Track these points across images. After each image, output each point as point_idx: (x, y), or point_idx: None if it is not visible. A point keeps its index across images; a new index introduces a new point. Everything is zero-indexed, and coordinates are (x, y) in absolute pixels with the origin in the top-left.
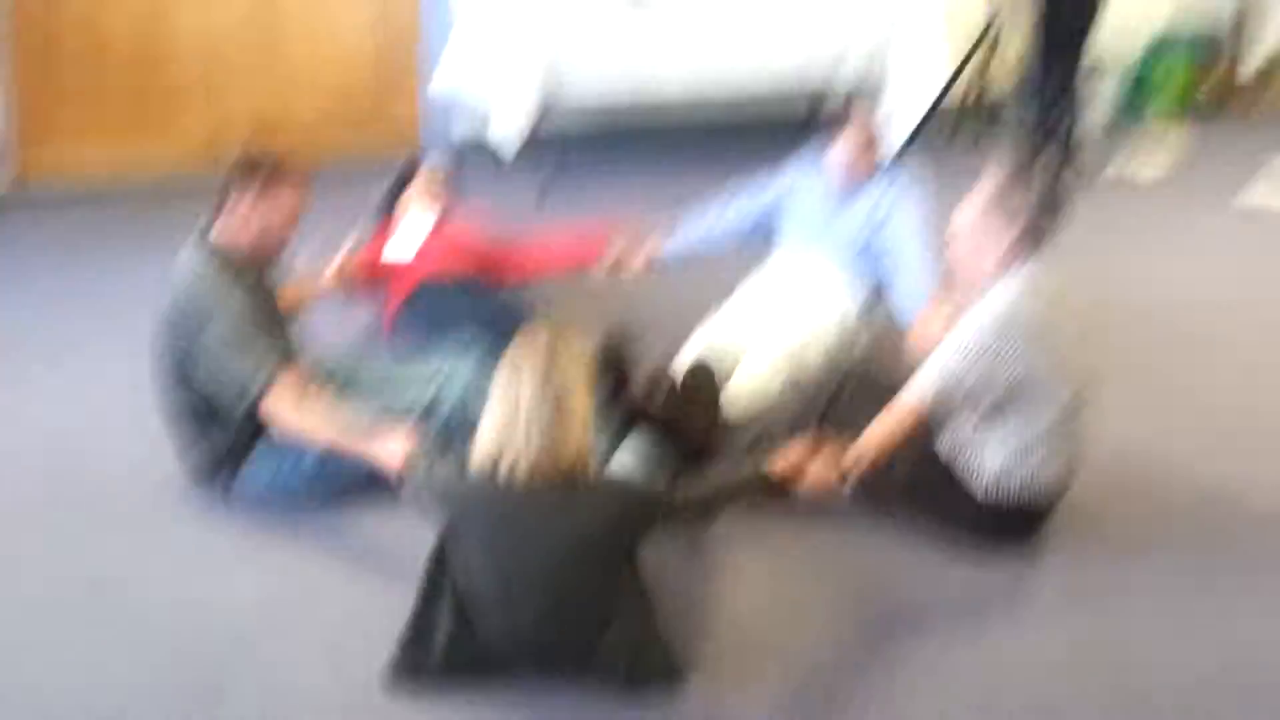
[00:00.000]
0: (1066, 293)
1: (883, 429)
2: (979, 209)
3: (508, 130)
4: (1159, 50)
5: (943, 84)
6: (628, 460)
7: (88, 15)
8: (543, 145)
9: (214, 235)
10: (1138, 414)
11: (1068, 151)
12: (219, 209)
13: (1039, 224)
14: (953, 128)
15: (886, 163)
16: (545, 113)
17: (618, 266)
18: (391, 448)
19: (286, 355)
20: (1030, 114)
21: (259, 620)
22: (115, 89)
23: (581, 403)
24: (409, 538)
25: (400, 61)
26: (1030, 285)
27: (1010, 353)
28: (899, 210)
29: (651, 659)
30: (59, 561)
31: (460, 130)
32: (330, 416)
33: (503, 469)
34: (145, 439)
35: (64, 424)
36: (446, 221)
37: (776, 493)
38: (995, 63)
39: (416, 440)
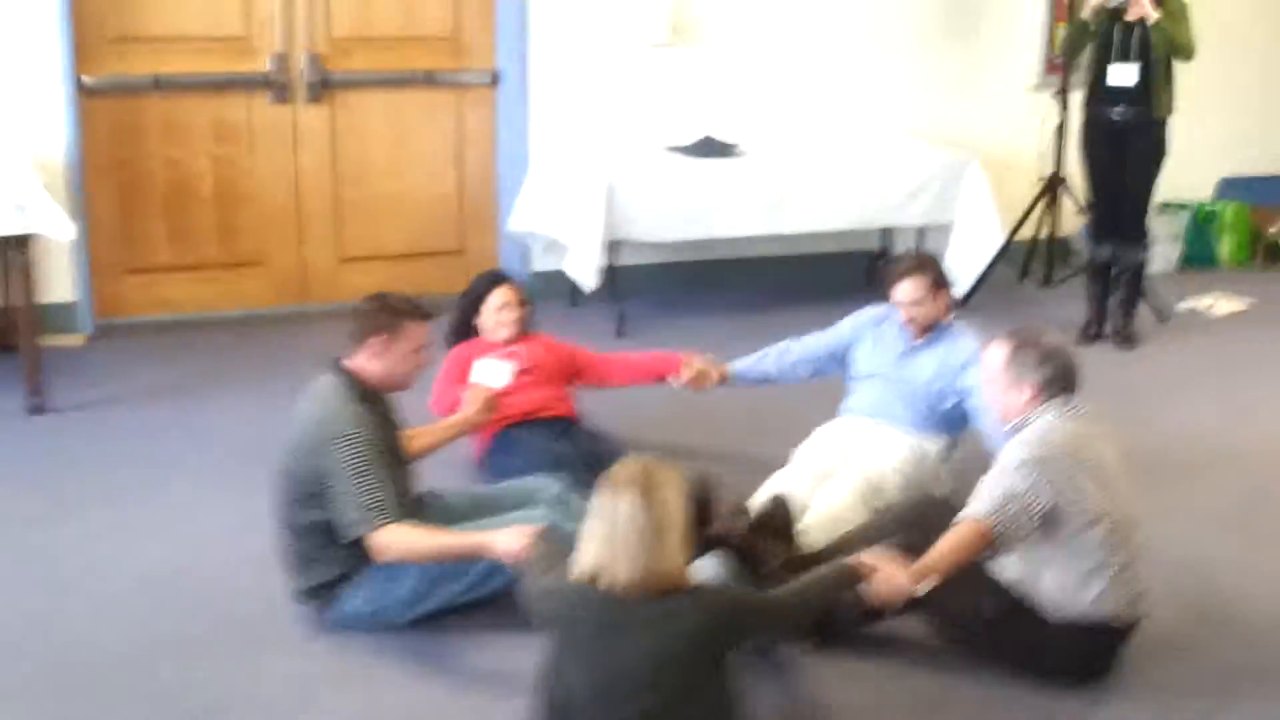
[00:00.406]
0: (1093, 432)
1: (948, 542)
2: (999, 366)
3: (583, 265)
4: (1228, 189)
5: (1005, 227)
6: (707, 578)
7: (173, 157)
8: (618, 280)
9: (348, 365)
10: (1223, 543)
11: (1139, 289)
12: (352, 343)
13: (1053, 376)
14: (1023, 266)
15: (954, 306)
16: (618, 248)
17: (696, 379)
18: (508, 542)
19: (403, 493)
20: (1101, 253)
21: None
22: (201, 227)
23: (678, 521)
24: (504, 664)
25: (480, 198)
26: (1053, 426)
27: (1041, 483)
28: (972, 356)
29: None
30: (168, 695)
31: (537, 265)
32: (437, 538)
33: (603, 583)
34: (244, 569)
35: (162, 559)
36: (528, 339)
37: (852, 584)
38: (1063, 201)
39: (533, 535)
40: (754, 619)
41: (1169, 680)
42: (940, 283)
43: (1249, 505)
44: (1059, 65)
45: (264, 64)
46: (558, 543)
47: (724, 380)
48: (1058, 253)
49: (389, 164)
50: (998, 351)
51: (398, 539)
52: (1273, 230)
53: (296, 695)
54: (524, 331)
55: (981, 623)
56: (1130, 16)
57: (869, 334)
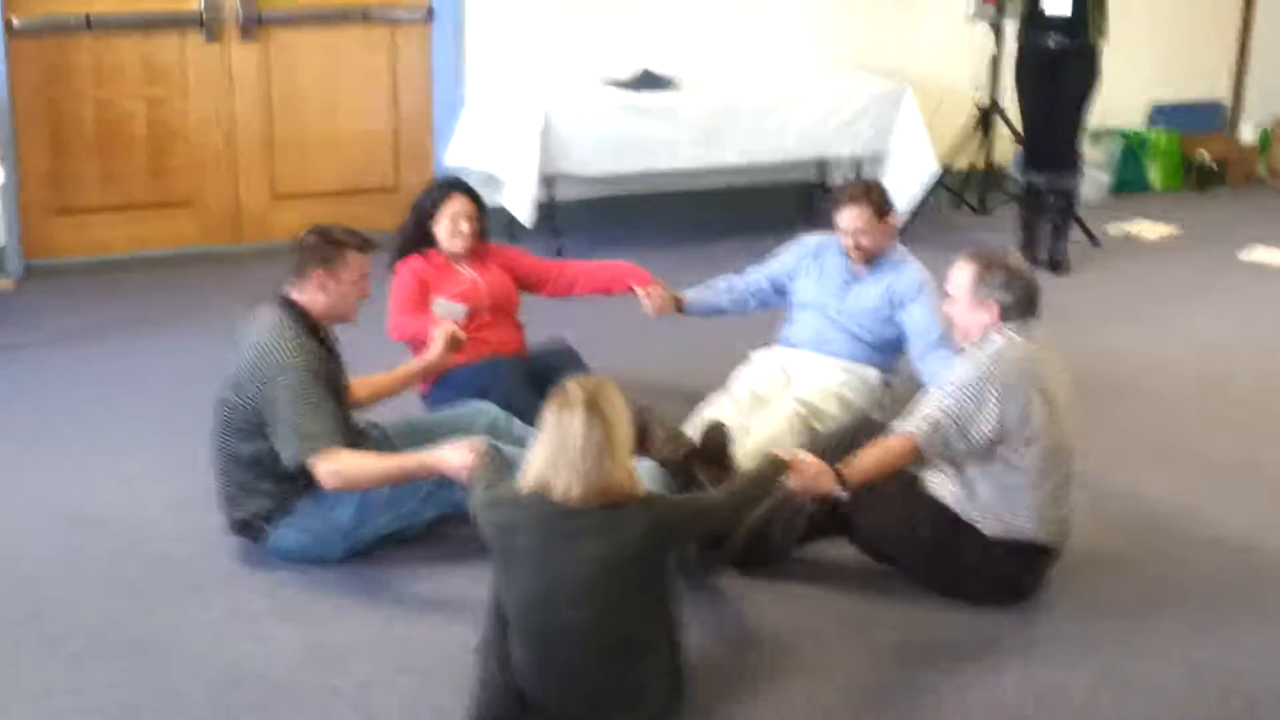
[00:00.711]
0: (1047, 357)
1: (878, 450)
2: (966, 284)
3: (520, 199)
4: (1158, 116)
5: (941, 156)
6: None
7: (104, 97)
8: (556, 215)
9: (292, 297)
10: (1147, 465)
11: (1071, 215)
12: (294, 276)
13: (1018, 298)
14: (958, 194)
15: (898, 234)
16: (555, 182)
17: (658, 302)
18: (456, 456)
19: (345, 422)
20: (1035, 180)
21: (300, 676)
22: (132, 167)
23: (625, 435)
24: (443, 592)
25: (415, 134)
26: (1011, 345)
27: (990, 400)
28: (918, 287)
29: (679, 692)
30: (102, 632)
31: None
32: (383, 460)
33: (556, 494)
34: (175, 510)
35: (93, 501)
36: (484, 253)
37: (780, 474)
38: (997, 130)
39: (481, 449)
40: (695, 520)
41: (1095, 597)
42: (884, 210)
43: (1175, 427)
44: None
45: (196, 2)
46: (500, 459)
47: (680, 309)
48: (992, 181)
49: (323, 101)
50: (964, 269)
51: (343, 464)
52: (1202, 154)
53: (237, 629)
54: (480, 242)
55: (916, 541)
56: None
57: (810, 264)
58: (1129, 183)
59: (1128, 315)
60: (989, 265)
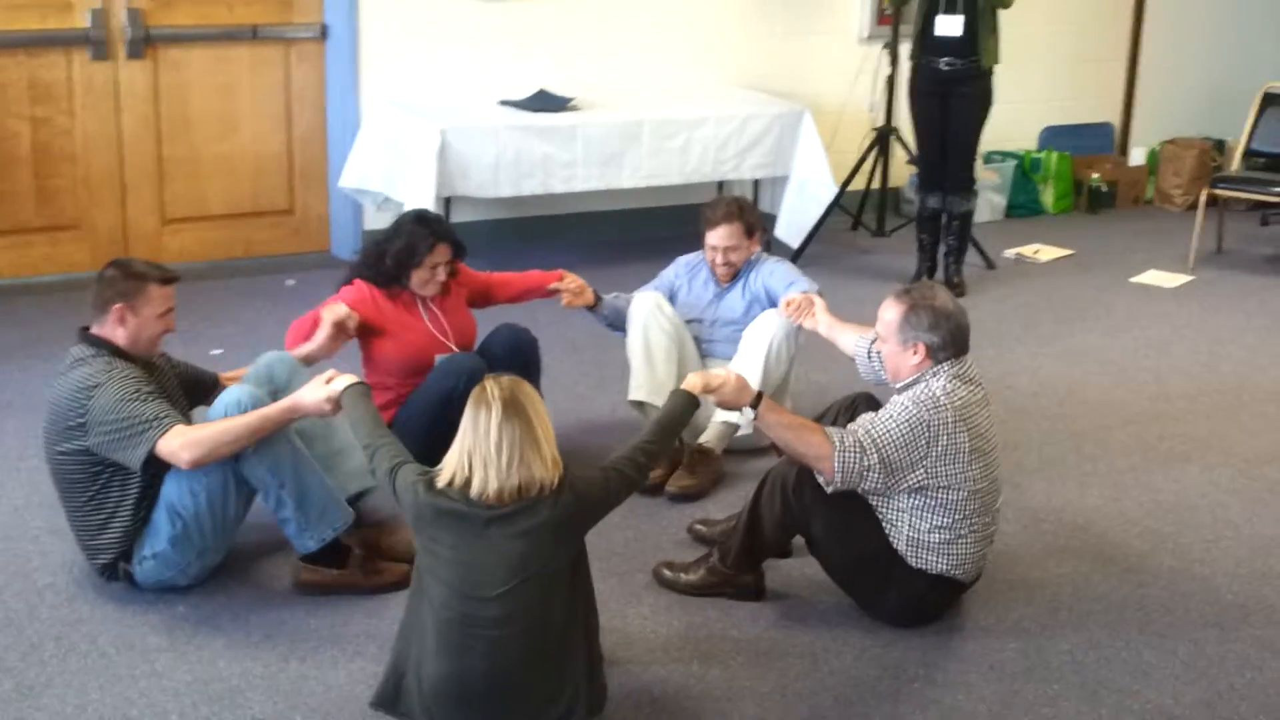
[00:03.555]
0: (978, 398)
1: (800, 423)
2: (893, 325)
3: None
4: (1051, 138)
5: (838, 178)
6: None
7: None
8: None
9: (96, 332)
10: (1044, 484)
11: (967, 237)
12: (96, 311)
13: (944, 339)
14: (856, 216)
15: (763, 248)
16: (453, 205)
17: (575, 293)
18: (314, 395)
19: (180, 413)
20: (931, 202)
21: (193, 714)
22: (17, 190)
23: (545, 429)
24: (337, 626)
25: (310, 155)
26: (943, 390)
27: (919, 446)
28: (770, 270)
29: (597, 683)
30: None
31: (369, 223)
32: (239, 417)
33: (473, 490)
34: (56, 541)
35: None
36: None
37: (694, 406)
38: (893, 152)
39: (340, 386)
40: (618, 493)
41: (997, 619)
42: (753, 229)
43: (1072, 447)
44: (889, 17)
45: (82, 20)
46: (368, 389)
47: (593, 305)
48: (889, 202)
49: (215, 122)
50: (891, 310)
51: (193, 434)
52: (1094, 177)
53: (129, 665)
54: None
55: (864, 557)
56: None
57: (685, 279)
58: (1022, 205)
59: (1025, 336)
60: (914, 306)
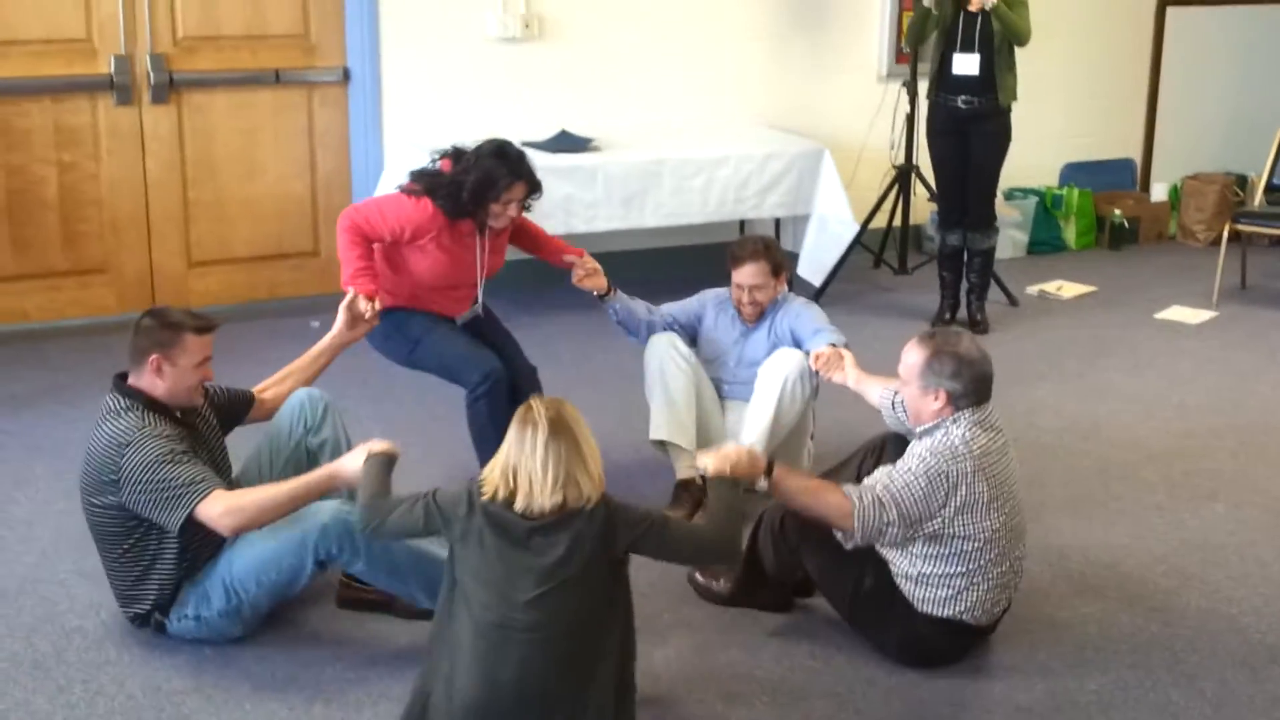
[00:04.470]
0: (999, 445)
1: (817, 485)
2: (915, 370)
3: None
4: (1071, 174)
5: (859, 216)
6: None
7: (14, 163)
8: None
9: (132, 383)
10: (1069, 523)
11: (989, 275)
12: (133, 362)
13: (967, 387)
14: (877, 254)
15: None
16: None
17: (590, 275)
18: (356, 462)
19: (219, 473)
20: (951, 240)
21: None
22: (44, 234)
23: (590, 448)
24: (366, 676)
25: (334, 197)
26: (963, 439)
27: (937, 495)
28: (795, 314)
29: (626, 706)
30: (9, 709)
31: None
32: (280, 485)
33: (519, 506)
34: (86, 585)
35: (7, 568)
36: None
37: (737, 486)
38: (914, 191)
39: (382, 450)
40: (658, 536)
41: (1024, 659)
42: (779, 269)
43: (1098, 485)
44: (907, 55)
45: (106, 66)
46: (391, 459)
47: (607, 295)
48: (910, 240)
49: (239, 165)
50: (914, 354)
51: (232, 500)
52: (1116, 213)
53: (155, 709)
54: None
55: (860, 594)
56: (972, 6)
57: (711, 313)
58: (1044, 241)
59: (1049, 374)
60: (937, 353)
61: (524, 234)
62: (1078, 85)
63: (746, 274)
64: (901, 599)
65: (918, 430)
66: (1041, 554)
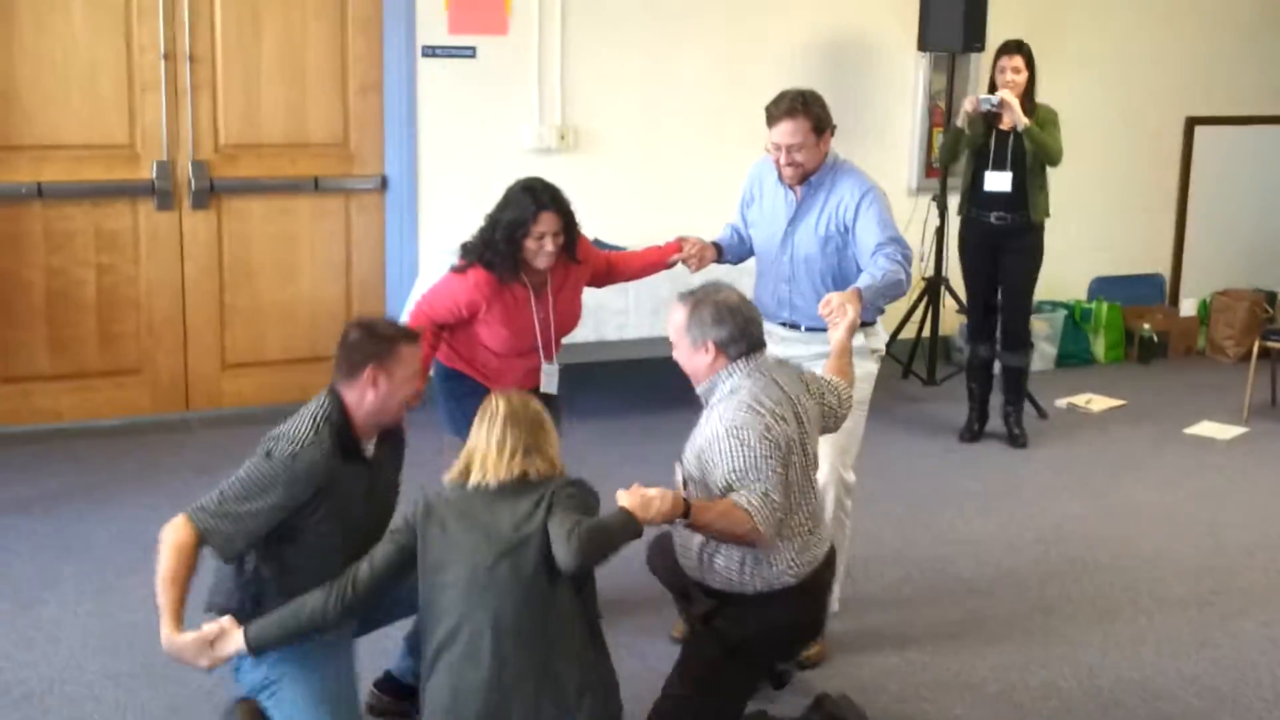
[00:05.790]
0: (785, 386)
1: (725, 508)
2: (680, 328)
3: None
4: (1100, 288)
5: (888, 327)
6: None
7: (55, 265)
8: None
9: (340, 405)
10: (1099, 640)
11: (1024, 391)
12: (343, 377)
13: (733, 333)
14: (906, 365)
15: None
16: None
17: (697, 256)
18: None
19: (357, 529)
20: (981, 353)
21: None
22: (81, 335)
23: (550, 436)
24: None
25: (369, 302)
26: (749, 391)
27: (779, 451)
28: (856, 204)
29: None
30: None
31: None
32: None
33: (472, 482)
34: (111, 686)
35: (27, 677)
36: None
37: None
38: (943, 302)
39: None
40: (564, 504)
41: None
42: (822, 125)
43: (1129, 602)
44: (937, 170)
45: (148, 171)
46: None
47: (717, 257)
48: (940, 351)
49: (276, 270)
50: (676, 313)
51: (169, 534)
52: (1145, 327)
53: None
54: (566, 255)
55: (699, 621)
56: (1004, 125)
57: (757, 188)
58: (1073, 354)
59: (1079, 488)
60: (697, 304)
61: (615, 267)
62: (1107, 201)
63: (782, 132)
64: (735, 610)
65: (699, 390)
66: (1071, 670)
